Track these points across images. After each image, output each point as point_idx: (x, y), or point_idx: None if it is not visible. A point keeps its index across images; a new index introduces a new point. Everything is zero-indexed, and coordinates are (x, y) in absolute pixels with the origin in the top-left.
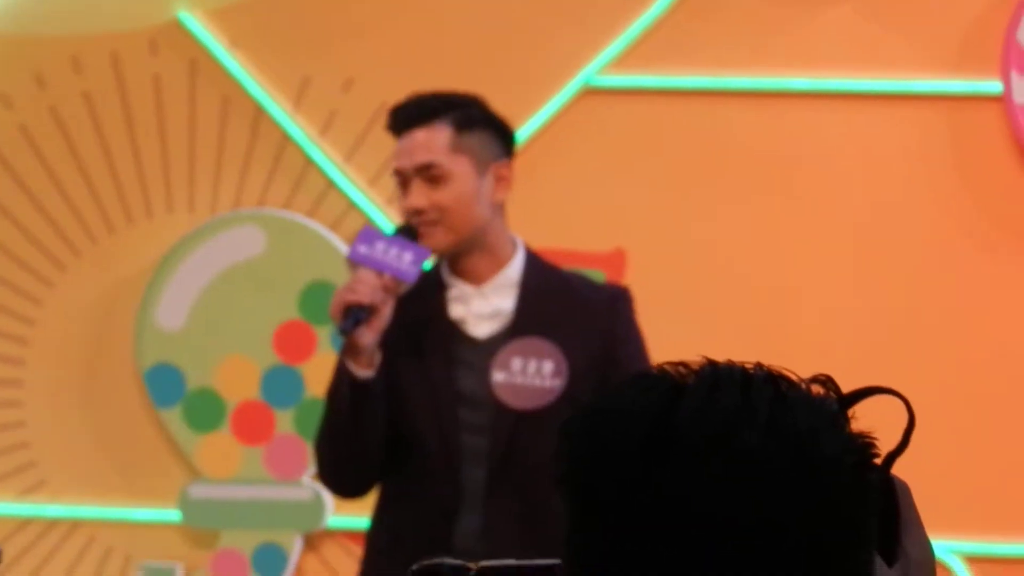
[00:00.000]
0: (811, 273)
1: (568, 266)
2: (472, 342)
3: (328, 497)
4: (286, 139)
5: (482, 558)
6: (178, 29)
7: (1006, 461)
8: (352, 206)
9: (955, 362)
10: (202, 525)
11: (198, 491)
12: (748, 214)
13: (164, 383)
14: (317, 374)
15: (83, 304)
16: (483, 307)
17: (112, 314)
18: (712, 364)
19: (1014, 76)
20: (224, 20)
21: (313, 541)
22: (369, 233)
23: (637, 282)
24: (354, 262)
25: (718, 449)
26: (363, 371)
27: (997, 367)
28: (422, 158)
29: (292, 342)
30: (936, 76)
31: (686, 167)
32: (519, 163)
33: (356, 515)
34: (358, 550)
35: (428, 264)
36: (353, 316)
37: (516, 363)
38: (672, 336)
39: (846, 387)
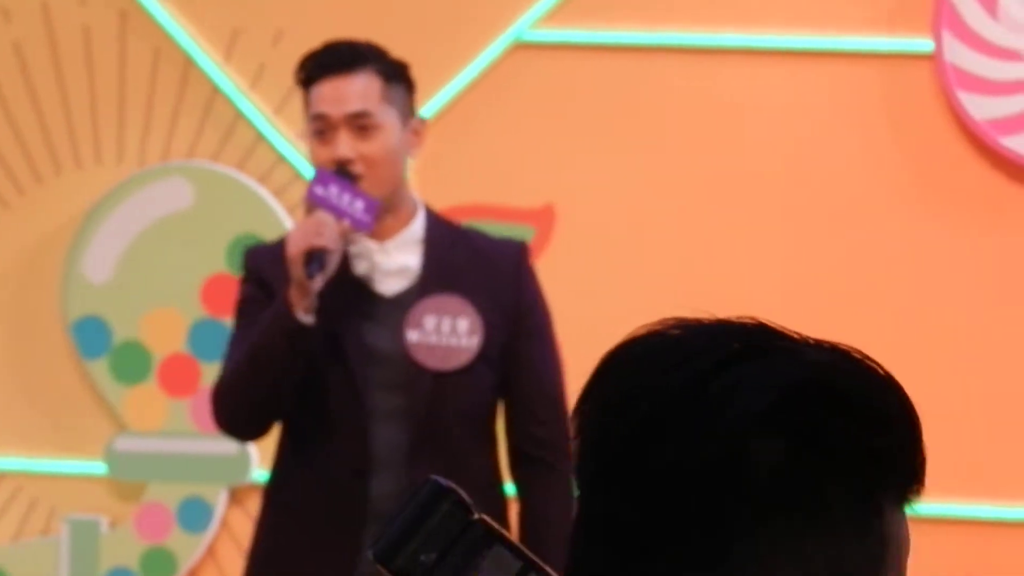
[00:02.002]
0: (741, 229)
1: (498, 222)
2: (379, 299)
3: (254, 451)
4: (215, 91)
5: None
6: None
7: (930, 420)
8: (281, 159)
9: (883, 319)
10: (128, 478)
11: (124, 444)
12: (678, 170)
13: (91, 335)
14: None
15: (10, 254)
16: (388, 263)
17: (39, 265)
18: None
19: (945, 35)
20: None
21: (238, 495)
22: (324, 175)
23: (567, 238)
24: (313, 203)
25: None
26: (307, 316)
27: (925, 325)
28: (356, 106)
29: (219, 295)
30: (868, 34)
31: (617, 123)
32: (450, 118)
33: None
34: None
35: None
36: (318, 260)
37: (430, 322)
38: (601, 291)
39: None
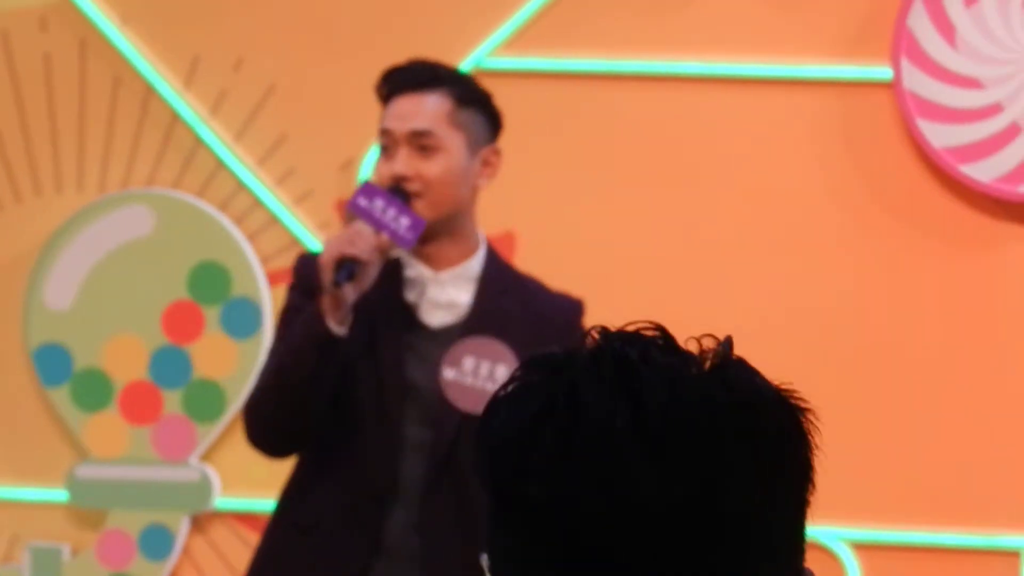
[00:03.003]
0: (700, 258)
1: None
2: (423, 329)
3: (215, 478)
4: (176, 118)
5: (415, 553)
6: (68, 6)
7: (891, 448)
8: (241, 186)
9: (841, 347)
10: (89, 505)
11: (85, 471)
12: (638, 198)
13: (52, 362)
14: (205, 355)
15: None
16: (439, 295)
17: (0, 292)
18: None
19: (904, 62)
20: None
21: (200, 522)
22: (369, 187)
23: (525, 265)
24: (352, 213)
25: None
26: (339, 327)
27: (885, 353)
28: (419, 124)
29: (180, 322)
30: (827, 61)
31: (576, 150)
32: None
33: (244, 496)
34: (246, 532)
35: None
36: (347, 269)
37: (468, 362)
38: None
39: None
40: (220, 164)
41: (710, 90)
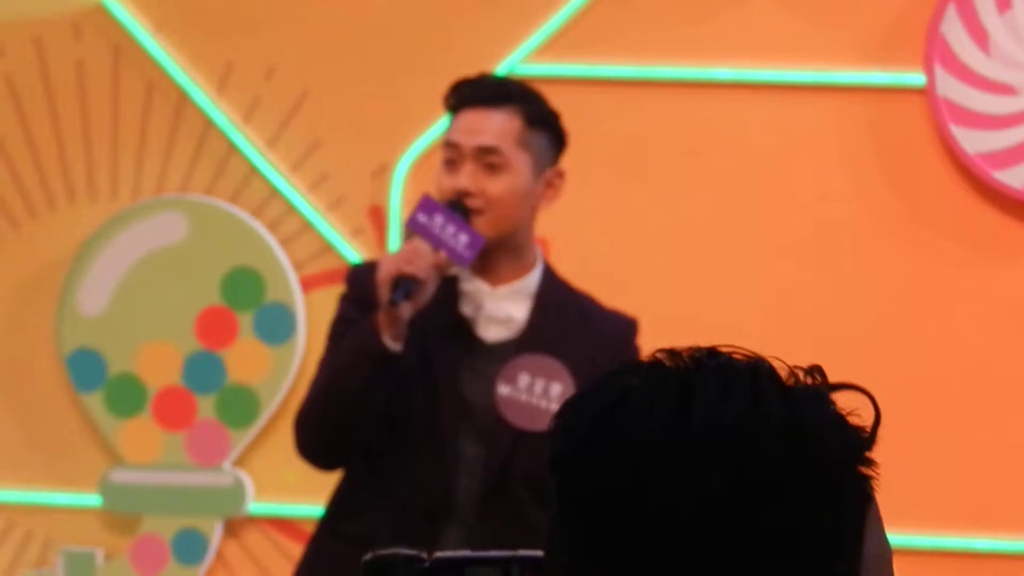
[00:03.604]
0: (732, 263)
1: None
2: (478, 343)
3: (249, 483)
4: (209, 125)
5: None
6: (102, 13)
7: (923, 454)
8: (275, 192)
9: (875, 355)
10: (123, 510)
11: (119, 476)
12: (669, 204)
13: (85, 368)
14: (238, 360)
15: (5, 288)
16: (495, 310)
17: (34, 299)
18: (713, 357)
19: (937, 69)
20: (148, 5)
21: (233, 527)
22: (429, 203)
23: (559, 272)
24: (412, 230)
25: (734, 449)
26: (394, 343)
27: (917, 360)
28: (488, 140)
29: (214, 328)
30: (860, 68)
31: (609, 157)
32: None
33: (277, 502)
34: (279, 537)
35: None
36: (404, 288)
37: (523, 379)
38: None
39: None
40: (253, 170)
41: (742, 97)
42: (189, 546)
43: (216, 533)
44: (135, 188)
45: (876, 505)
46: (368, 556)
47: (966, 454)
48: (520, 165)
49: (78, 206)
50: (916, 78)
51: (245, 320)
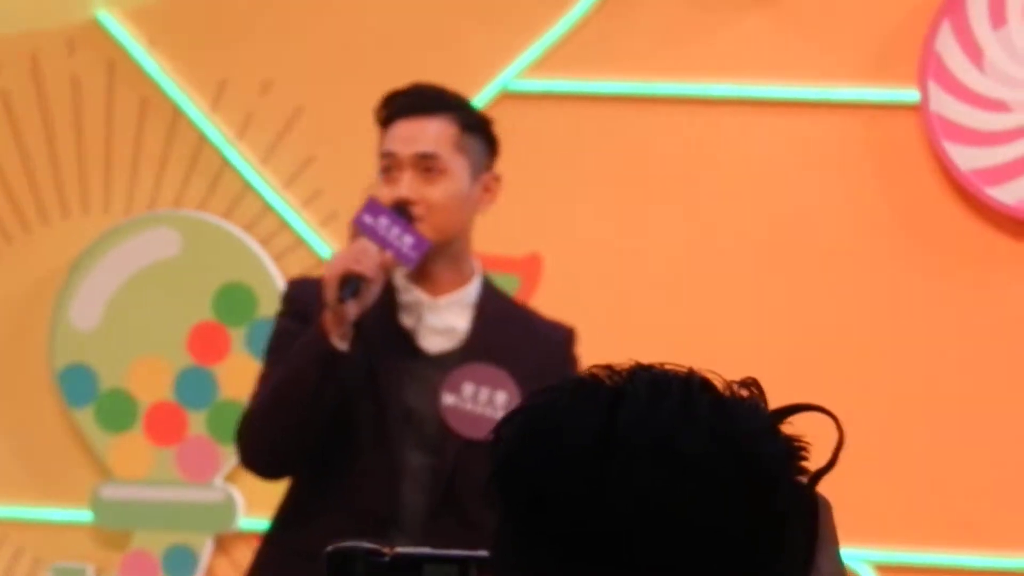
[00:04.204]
0: (727, 279)
1: (485, 271)
2: (421, 355)
3: (240, 499)
4: (203, 140)
5: None
6: (96, 29)
7: (916, 470)
8: (268, 208)
9: (868, 369)
10: (113, 526)
11: (110, 492)
12: (664, 220)
13: (77, 383)
14: (230, 375)
15: None
16: (436, 321)
17: (26, 313)
18: (646, 369)
19: (931, 85)
20: (143, 20)
21: (224, 543)
22: (374, 204)
23: (553, 287)
24: (358, 230)
25: (660, 456)
26: (342, 343)
27: (910, 375)
28: (426, 147)
29: (206, 343)
30: (854, 84)
31: (603, 172)
32: None
33: (268, 518)
34: None
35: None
36: (352, 286)
37: (468, 388)
38: (586, 341)
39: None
40: (246, 186)
41: (736, 113)
42: (180, 562)
43: (207, 549)
44: (128, 203)
45: (832, 525)
46: (329, 548)
47: (958, 469)
48: (458, 170)
49: (71, 221)
50: (910, 95)
51: (237, 336)
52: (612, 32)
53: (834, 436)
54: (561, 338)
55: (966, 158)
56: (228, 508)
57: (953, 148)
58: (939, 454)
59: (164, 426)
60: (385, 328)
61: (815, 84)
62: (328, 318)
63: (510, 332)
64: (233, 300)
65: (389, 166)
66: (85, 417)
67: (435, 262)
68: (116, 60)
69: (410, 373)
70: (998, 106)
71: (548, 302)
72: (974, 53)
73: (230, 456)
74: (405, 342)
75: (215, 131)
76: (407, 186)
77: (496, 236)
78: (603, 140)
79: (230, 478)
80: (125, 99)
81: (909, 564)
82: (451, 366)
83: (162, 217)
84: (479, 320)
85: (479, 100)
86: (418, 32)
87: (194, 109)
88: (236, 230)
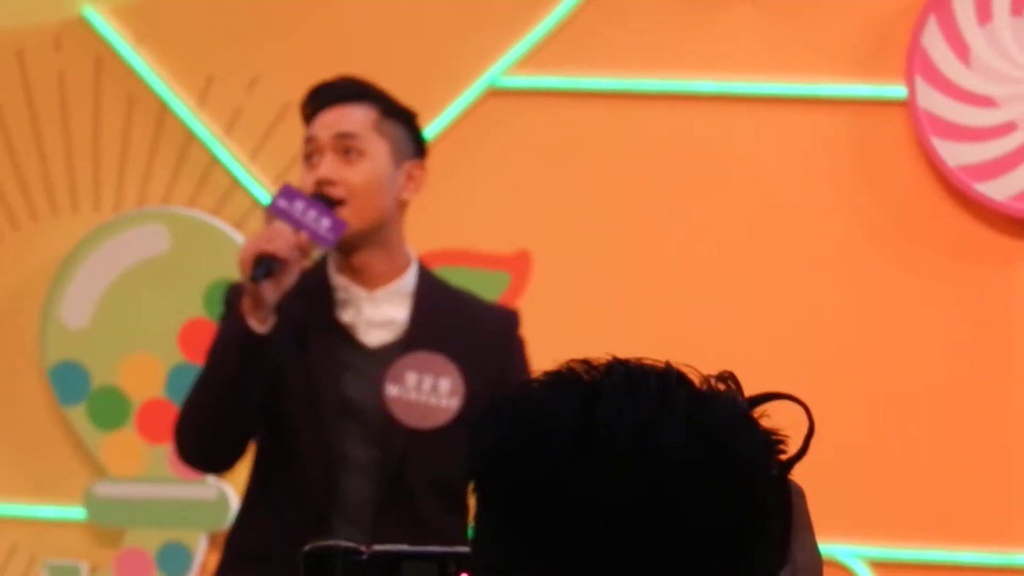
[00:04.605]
0: (715, 276)
1: (473, 267)
2: (362, 349)
3: (233, 496)
4: (191, 137)
5: None
6: (83, 26)
7: (909, 466)
8: (256, 205)
9: (857, 366)
10: (107, 523)
11: (103, 489)
12: (652, 216)
13: (69, 381)
14: None
15: None
16: (374, 314)
17: (16, 311)
18: (623, 363)
19: (918, 81)
20: (129, 17)
21: (218, 540)
22: (289, 190)
23: (542, 284)
24: (272, 214)
25: (638, 448)
26: (260, 326)
27: (899, 372)
28: (344, 127)
29: (197, 340)
30: (841, 80)
31: (591, 169)
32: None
33: None
34: None
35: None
36: (265, 266)
37: (411, 378)
38: (576, 338)
39: (750, 390)
40: (235, 182)
41: (724, 109)
42: (174, 559)
43: (201, 546)
44: (117, 200)
45: (806, 512)
46: (307, 547)
47: (949, 465)
48: (378, 151)
49: (60, 218)
50: (897, 90)
51: None
52: (598, 28)
53: (825, 429)
54: (504, 321)
55: (954, 154)
56: (222, 505)
57: (941, 144)
58: (930, 449)
59: (157, 423)
60: (323, 327)
61: (802, 80)
62: (245, 301)
63: (450, 319)
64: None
65: (311, 152)
66: (77, 415)
67: (367, 254)
68: (103, 57)
69: (351, 368)
70: (985, 101)
71: (538, 299)
72: (961, 49)
73: None
74: (345, 338)
75: (203, 128)
76: (327, 167)
77: (485, 233)
78: (590, 136)
79: (223, 475)
80: (112, 96)
81: (904, 560)
82: (393, 358)
83: (151, 214)
84: (418, 309)
85: (466, 97)
86: (404, 29)
87: (181, 106)
88: (225, 227)
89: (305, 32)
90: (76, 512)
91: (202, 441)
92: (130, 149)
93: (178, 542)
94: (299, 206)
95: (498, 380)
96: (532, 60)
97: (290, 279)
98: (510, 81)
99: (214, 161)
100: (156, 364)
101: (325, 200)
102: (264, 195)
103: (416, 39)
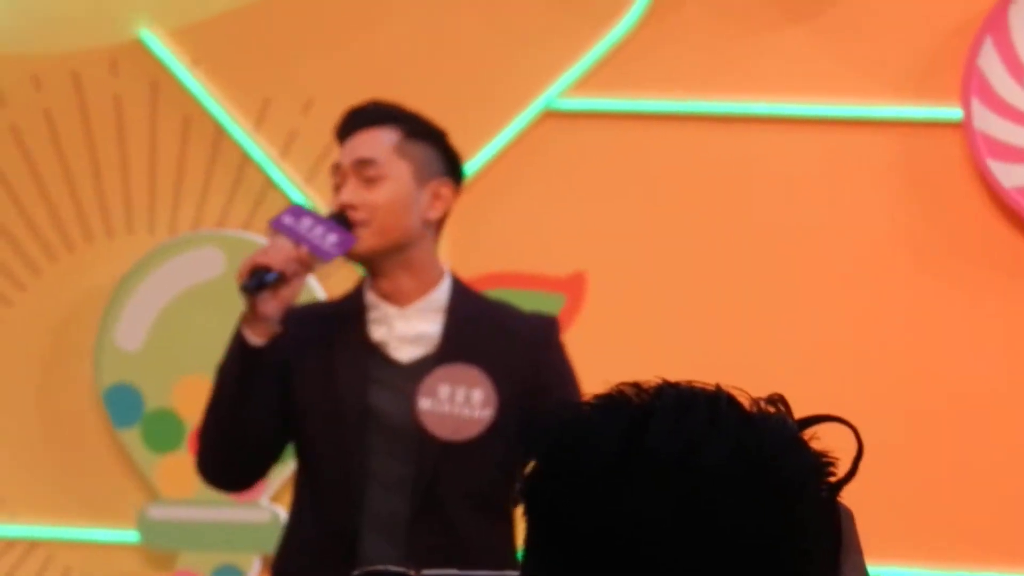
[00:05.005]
0: (768, 297)
1: (529, 290)
2: (394, 365)
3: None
4: (246, 160)
5: None
6: (139, 48)
7: (961, 486)
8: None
9: (909, 387)
10: (160, 546)
11: (157, 512)
12: (706, 237)
13: (123, 403)
14: None
15: (42, 322)
16: (406, 330)
17: (71, 333)
18: (673, 386)
19: (974, 102)
20: (185, 40)
21: (271, 562)
22: (299, 209)
23: (598, 305)
24: (275, 230)
25: (686, 471)
26: (257, 339)
27: (952, 392)
28: (362, 153)
29: None
30: (897, 102)
31: (646, 190)
32: (480, 186)
33: None
34: None
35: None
36: (257, 277)
37: (443, 390)
38: (632, 359)
39: (803, 412)
40: (291, 205)
41: (780, 131)
42: None
43: (254, 569)
44: (172, 222)
45: (856, 534)
46: (356, 573)
47: (1001, 485)
48: (399, 173)
49: (116, 240)
50: (953, 112)
51: None
52: (654, 50)
53: (876, 451)
54: (540, 328)
55: (1010, 175)
56: (274, 527)
57: (996, 165)
58: (983, 470)
59: None
60: (354, 346)
61: (857, 102)
62: (245, 316)
63: (484, 330)
64: None
65: (337, 181)
66: (131, 437)
67: (393, 272)
68: (159, 79)
69: (384, 385)
70: None
71: (593, 320)
72: (1017, 70)
73: (276, 475)
74: (377, 356)
75: (258, 150)
76: (348, 192)
77: (540, 255)
78: (646, 158)
79: (276, 498)
80: (168, 118)
81: None
82: (425, 372)
83: (206, 236)
84: (451, 323)
85: (522, 119)
86: (461, 51)
87: (237, 128)
88: None
89: (360, 54)
90: (129, 535)
91: (215, 457)
92: (186, 172)
93: (231, 565)
94: (306, 223)
95: (534, 386)
96: (588, 82)
97: (291, 292)
98: (566, 103)
99: (269, 183)
100: (210, 386)
101: (345, 221)
102: None
103: (473, 61)
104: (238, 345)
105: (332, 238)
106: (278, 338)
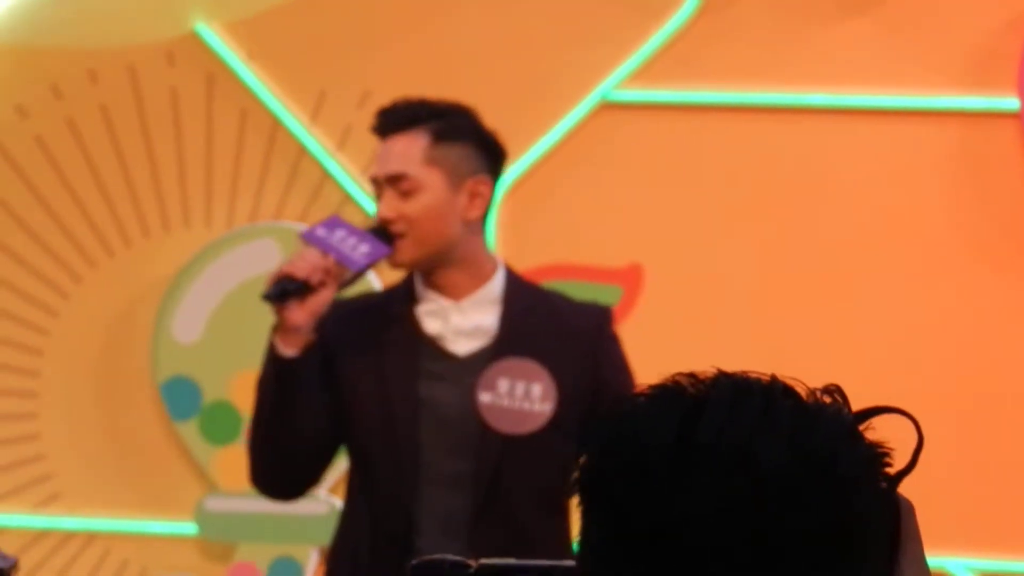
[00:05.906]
0: (827, 289)
1: (585, 282)
2: (451, 359)
3: None
4: (303, 152)
5: None
6: (195, 42)
7: (1021, 476)
8: (368, 219)
9: (965, 378)
10: (218, 538)
11: (214, 504)
12: (764, 229)
13: (180, 396)
14: None
15: (99, 316)
16: (462, 323)
17: (128, 326)
18: (729, 377)
19: None
20: (241, 33)
21: (326, 557)
22: (334, 221)
23: (654, 297)
24: (305, 241)
25: (741, 464)
26: (288, 349)
27: (1009, 382)
28: (393, 168)
29: None
30: (953, 92)
31: (703, 182)
32: (537, 177)
33: None
34: None
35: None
36: (280, 286)
37: (503, 384)
38: (688, 351)
39: (861, 403)
40: (347, 197)
41: (836, 121)
42: (285, 573)
43: (312, 561)
44: (229, 215)
45: (915, 526)
46: (414, 562)
47: None
48: (432, 182)
49: (173, 234)
50: (1010, 102)
51: None
52: (711, 42)
53: (935, 442)
54: (595, 317)
55: None
56: (332, 519)
57: None
58: None
59: None
60: (406, 339)
61: (914, 92)
62: (274, 328)
63: (540, 321)
64: None
65: (377, 192)
66: (189, 430)
67: (446, 269)
68: (215, 72)
69: (441, 378)
70: None
71: (650, 312)
72: None
73: (334, 467)
74: (432, 350)
75: (315, 143)
76: (384, 206)
77: (597, 247)
78: (702, 149)
79: (334, 490)
80: (225, 111)
81: (1015, 573)
82: (484, 365)
83: (263, 229)
84: (507, 314)
85: (579, 110)
86: (516, 43)
87: (294, 121)
88: None
89: (416, 46)
90: (187, 527)
91: (264, 470)
92: (242, 165)
93: (289, 557)
94: (339, 234)
95: (593, 378)
96: (644, 73)
97: (319, 302)
98: (622, 95)
99: (326, 176)
100: None
101: (385, 235)
102: (375, 209)
103: (528, 53)
104: (271, 357)
105: (363, 248)
106: (312, 347)
